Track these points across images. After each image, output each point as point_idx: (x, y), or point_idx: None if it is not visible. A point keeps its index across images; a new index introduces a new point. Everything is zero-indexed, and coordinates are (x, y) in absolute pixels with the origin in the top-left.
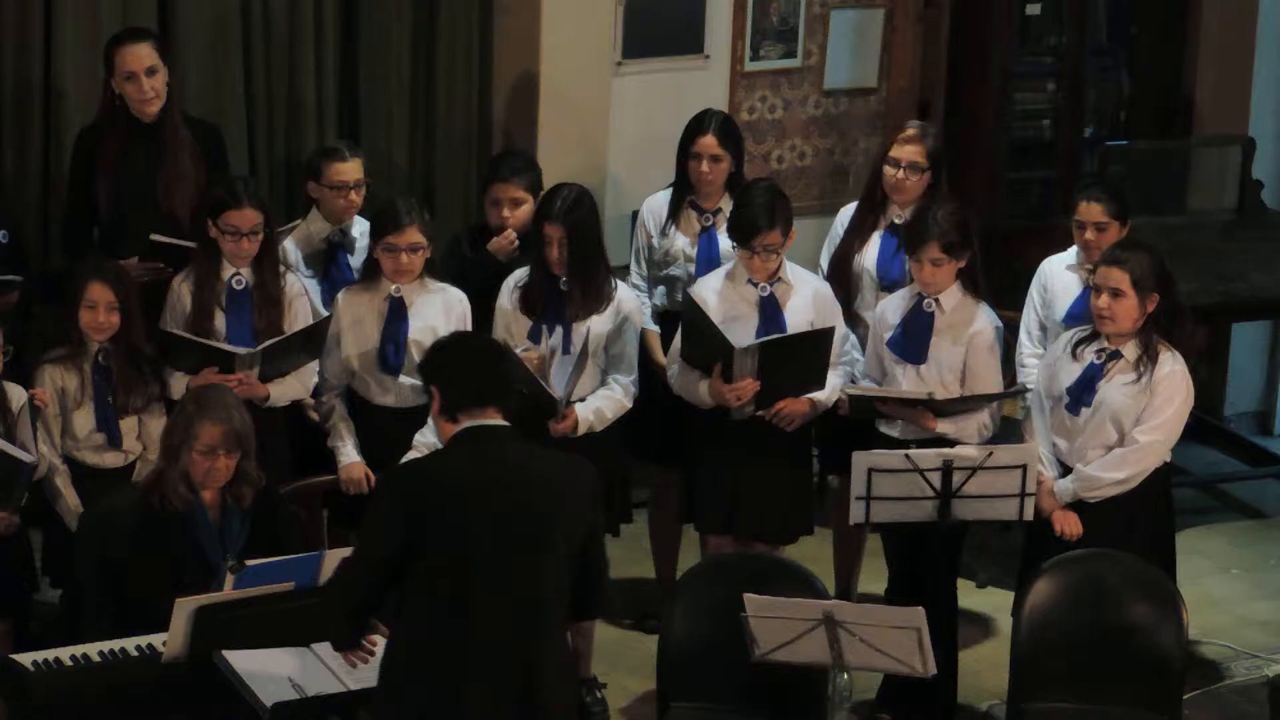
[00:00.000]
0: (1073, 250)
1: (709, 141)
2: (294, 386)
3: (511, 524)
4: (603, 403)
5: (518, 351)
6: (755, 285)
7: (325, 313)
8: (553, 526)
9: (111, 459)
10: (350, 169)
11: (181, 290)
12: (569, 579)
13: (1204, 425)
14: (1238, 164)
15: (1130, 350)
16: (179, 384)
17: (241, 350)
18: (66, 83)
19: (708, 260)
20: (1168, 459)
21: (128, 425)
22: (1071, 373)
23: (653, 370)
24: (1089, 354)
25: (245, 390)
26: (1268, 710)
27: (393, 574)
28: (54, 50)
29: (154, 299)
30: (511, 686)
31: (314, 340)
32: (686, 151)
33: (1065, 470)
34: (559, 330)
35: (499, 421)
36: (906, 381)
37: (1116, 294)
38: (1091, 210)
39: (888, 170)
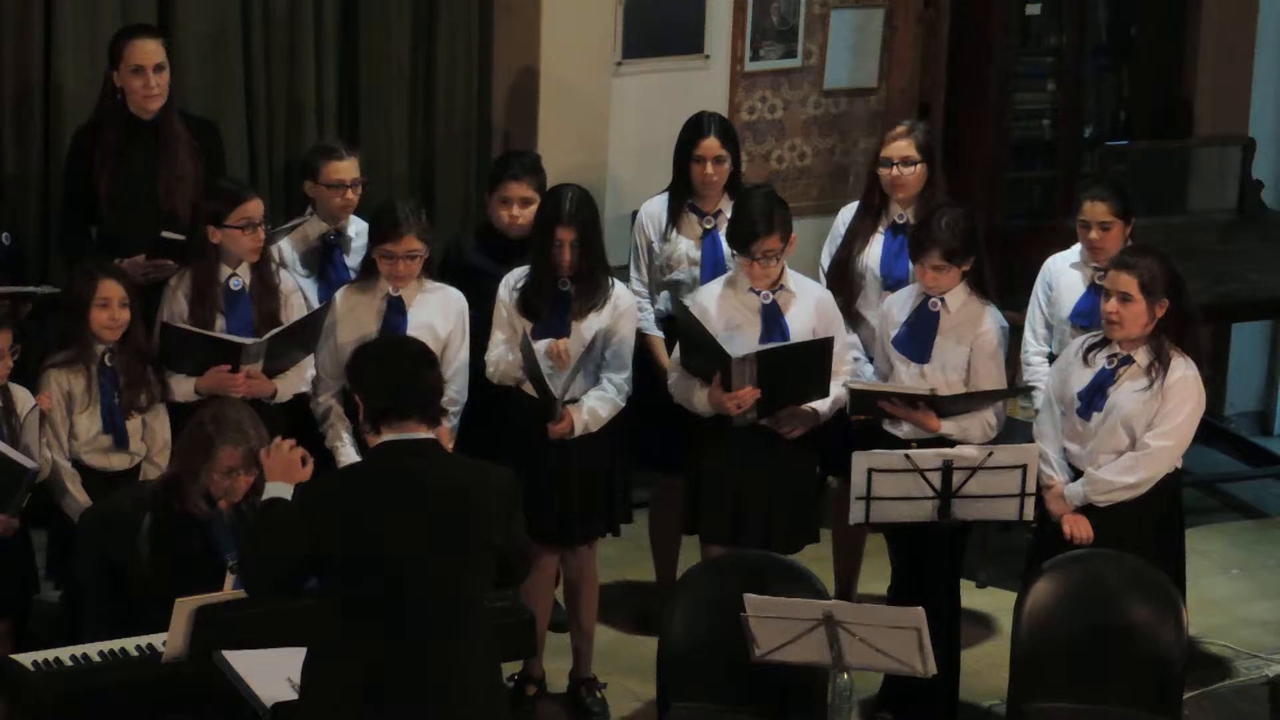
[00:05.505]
0: (1076, 247)
1: (711, 144)
2: (295, 380)
3: (421, 539)
4: (597, 403)
5: (543, 345)
6: (757, 293)
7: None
8: (466, 536)
9: (118, 460)
10: (347, 167)
11: (177, 296)
12: (487, 574)
13: (1204, 425)
14: (1238, 164)
15: (1141, 356)
16: (181, 386)
17: (248, 341)
18: (66, 83)
19: (714, 263)
20: (1179, 464)
21: (133, 426)
22: (1083, 378)
23: (655, 377)
24: (1100, 359)
25: (253, 386)
26: (1268, 710)
27: (305, 573)
28: (54, 50)
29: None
30: (430, 688)
31: (312, 331)
32: (688, 156)
33: (1077, 474)
34: (561, 331)
35: (420, 435)
36: (910, 380)
37: (1125, 299)
38: (1096, 209)
39: (883, 171)
